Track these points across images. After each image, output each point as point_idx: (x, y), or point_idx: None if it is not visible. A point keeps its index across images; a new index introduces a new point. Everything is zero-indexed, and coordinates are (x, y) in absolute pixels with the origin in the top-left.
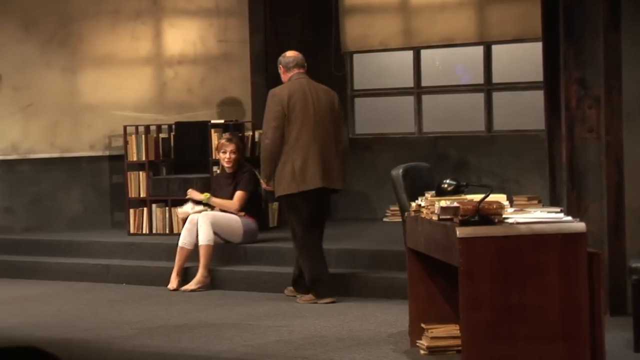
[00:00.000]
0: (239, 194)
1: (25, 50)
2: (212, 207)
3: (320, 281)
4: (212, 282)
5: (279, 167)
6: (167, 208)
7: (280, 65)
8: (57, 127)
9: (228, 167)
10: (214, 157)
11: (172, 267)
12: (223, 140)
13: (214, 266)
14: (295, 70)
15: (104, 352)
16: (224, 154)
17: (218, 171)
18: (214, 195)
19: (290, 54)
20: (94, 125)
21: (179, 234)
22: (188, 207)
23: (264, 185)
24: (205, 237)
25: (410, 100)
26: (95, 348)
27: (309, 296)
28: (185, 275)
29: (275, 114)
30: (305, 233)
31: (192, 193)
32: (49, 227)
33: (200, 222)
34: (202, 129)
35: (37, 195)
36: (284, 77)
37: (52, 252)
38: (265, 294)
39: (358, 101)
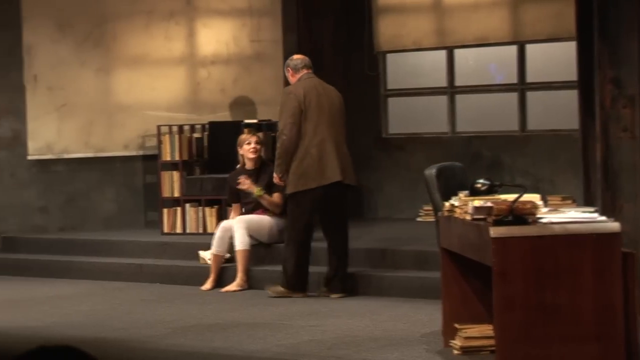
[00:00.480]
0: (279, 195)
1: (59, 51)
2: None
3: (297, 278)
4: (253, 283)
5: (295, 163)
6: (200, 208)
7: (289, 68)
8: (91, 127)
9: (251, 160)
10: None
11: (205, 267)
12: (244, 135)
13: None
14: (304, 71)
15: (137, 352)
16: (248, 145)
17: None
18: (238, 197)
19: (298, 56)
20: (128, 125)
21: (212, 234)
22: (209, 253)
23: (276, 180)
24: (241, 242)
25: (443, 99)
26: (129, 347)
27: (281, 289)
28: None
29: (292, 110)
30: (306, 229)
31: (245, 183)
32: (83, 226)
33: (235, 227)
34: (235, 128)
35: (72, 195)
36: (293, 79)
37: (86, 251)
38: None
39: (391, 101)
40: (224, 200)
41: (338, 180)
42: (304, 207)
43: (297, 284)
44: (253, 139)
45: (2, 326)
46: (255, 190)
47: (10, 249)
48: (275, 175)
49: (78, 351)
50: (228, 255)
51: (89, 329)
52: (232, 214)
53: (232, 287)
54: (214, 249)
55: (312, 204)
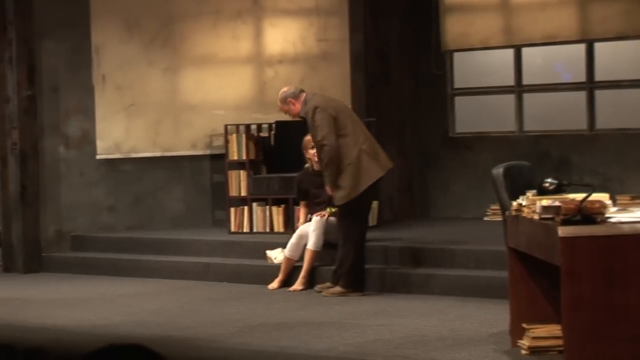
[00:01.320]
0: None
1: (127, 50)
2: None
3: (360, 275)
4: (314, 281)
5: (351, 167)
6: (267, 207)
7: (289, 99)
8: (158, 126)
9: (317, 163)
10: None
11: (272, 266)
12: (308, 137)
13: (316, 265)
14: (303, 93)
15: (204, 350)
16: (313, 149)
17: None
18: (307, 196)
19: (285, 88)
20: (195, 125)
21: (278, 233)
22: (276, 252)
23: (329, 192)
24: (315, 243)
25: (511, 98)
26: (196, 346)
27: (338, 289)
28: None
29: (327, 120)
30: (364, 227)
31: (320, 214)
32: (151, 225)
33: (314, 226)
34: (301, 127)
35: (140, 194)
36: (297, 104)
37: (154, 250)
38: (366, 293)
39: (458, 100)
40: (291, 199)
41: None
42: (364, 205)
43: (356, 283)
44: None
45: (71, 324)
46: (328, 211)
47: (79, 247)
48: (327, 187)
49: (148, 350)
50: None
51: (157, 328)
52: (301, 212)
53: (299, 286)
54: (287, 252)
55: (369, 202)
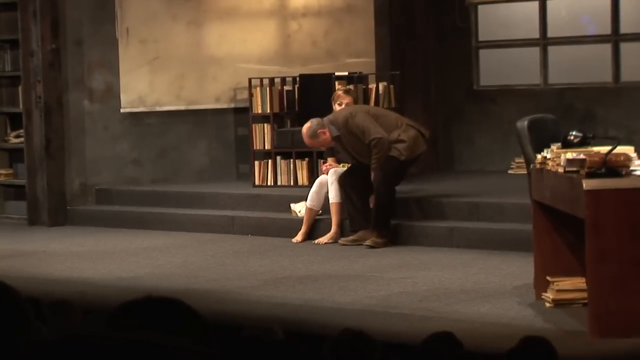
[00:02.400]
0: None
1: (151, 4)
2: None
3: (389, 221)
4: (337, 234)
5: (411, 131)
6: (291, 160)
7: (318, 131)
8: (182, 80)
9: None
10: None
11: (297, 219)
12: (339, 92)
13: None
14: (323, 120)
15: (229, 303)
16: (339, 106)
17: None
18: (334, 154)
19: (307, 125)
20: (219, 78)
21: (302, 186)
22: (300, 206)
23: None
24: (335, 195)
25: (535, 51)
26: (221, 299)
27: (378, 240)
28: (310, 233)
29: (367, 118)
30: (394, 189)
31: (332, 165)
32: (175, 179)
33: (330, 180)
34: (325, 81)
35: (164, 147)
36: (326, 131)
37: (178, 203)
38: (391, 245)
39: (483, 53)
40: (315, 153)
41: None
42: (405, 170)
43: (387, 227)
44: (346, 99)
45: (97, 277)
46: (341, 167)
47: (104, 201)
48: (373, 172)
49: (185, 305)
50: (320, 211)
51: (182, 280)
52: (327, 167)
53: (325, 239)
54: (309, 202)
55: (408, 170)
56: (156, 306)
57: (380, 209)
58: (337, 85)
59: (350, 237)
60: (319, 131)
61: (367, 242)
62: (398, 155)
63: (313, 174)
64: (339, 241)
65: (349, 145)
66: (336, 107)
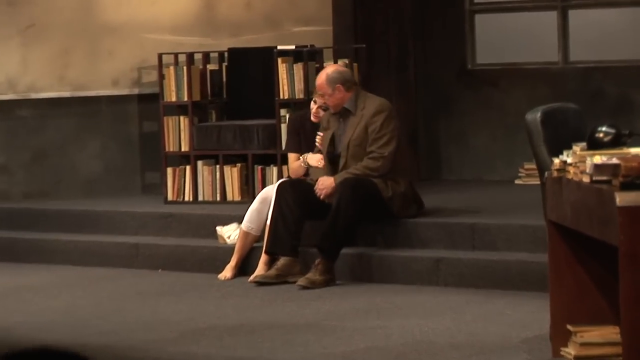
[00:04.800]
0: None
1: None
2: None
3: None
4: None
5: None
6: (217, 167)
7: (338, 85)
8: (67, 57)
9: (315, 120)
10: (283, 96)
11: (225, 248)
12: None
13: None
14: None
15: None
16: (314, 103)
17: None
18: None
19: (335, 66)
20: (118, 54)
21: (233, 203)
22: (231, 229)
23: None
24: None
25: (552, 17)
26: (121, 357)
27: (320, 277)
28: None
29: (398, 134)
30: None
31: (310, 158)
32: (57, 192)
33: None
34: (264, 57)
35: (42, 149)
36: (345, 95)
37: (62, 226)
38: (353, 283)
39: (480, 19)
40: (251, 157)
41: None
42: (378, 207)
43: (334, 260)
44: (321, 101)
45: None
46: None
47: None
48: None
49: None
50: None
51: (66, 332)
52: (291, 167)
53: (265, 271)
54: (245, 224)
55: None
56: None
57: (334, 229)
58: (281, 64)
59: (269, 272)
60: (338, 85)
61: (300, 281)
62: (384, 190)
63: (248, 186)
64: (250, 279)
65: (345, 137)
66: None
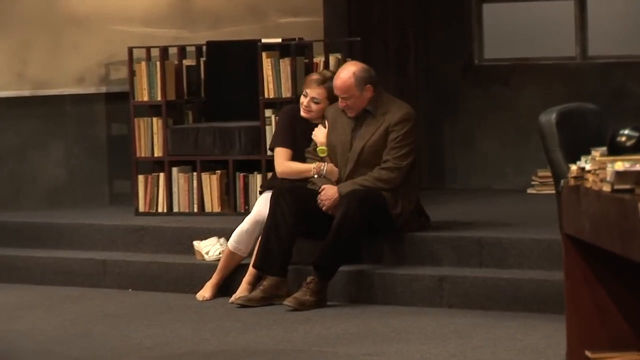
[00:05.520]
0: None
1: None
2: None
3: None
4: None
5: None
6: (195, 174)
7: (368, 85)
8: (27, 51)
9: (303, 115)
10: (268, 95)
11: (203, 265)
12: (313, 76)
13: None
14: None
15: None
16: (304, 97)
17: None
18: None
19: (359, 65)
20: (83, 48)
21: (212, 214)
22: (209, 244)
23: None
24: None
25: (569, 7)
26: None
27: (311, 297)
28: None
29: (416, 145)
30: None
31: (331, 172)
32: (16, 203)
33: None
34: (248, 51)
35: None
36: (371, 95)
37: (21, 241)
38: (347, 304)
39: (488, 9)
40: (232, 162)
41: None
42: (384, 221)
43: (329, 278)
44: (316, 91)
45: None
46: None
47: None
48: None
49: None
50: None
51: (28, 359)
52: (279, 164)
53: (249, 292)
54: (233, 243)
55: None
56: None
57: (335, 247)
58: (265, 59)
59: (253, 294)
60: (371, 85)
61: (288, 302)
62: (393, 206)
63: (229, 195)
64: (232, 300)
65: (359, 141)
66: (306, 101)
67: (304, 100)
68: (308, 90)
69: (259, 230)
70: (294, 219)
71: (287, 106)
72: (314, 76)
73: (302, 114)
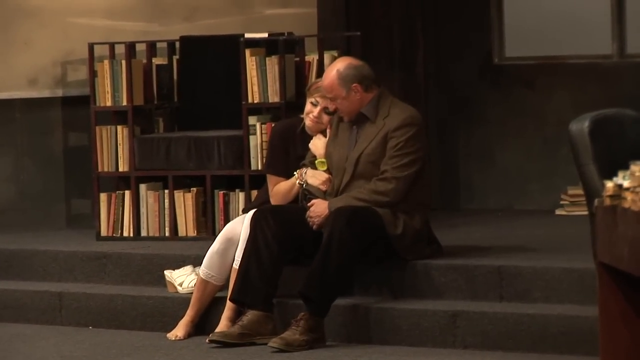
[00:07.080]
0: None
1: None
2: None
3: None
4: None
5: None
6: (166, 192)
7: (355, 84)
8: None
9: (310, 128)
10: (252, 100)
11: (176, 297)
12: (317, 84)
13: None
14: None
15: None
16: (313, 106)
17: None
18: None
19: (349, 60)
20: (36, 44)
21: (186, 239)
22: (184, 274)
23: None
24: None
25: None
26: None
27: (301, 337)
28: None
29: (423, 153)
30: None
31: (311, 176)
32: None
33: (243, 236)
34: (228, 48)
35: None
36: (364, 96)
37: None
38: (345, 344)
39: (509, 3)
40: (209, 178)
41: None
42: (382, 244)
43: (323, 315)
44: (327, 100)
45: None
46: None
47: None
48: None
49: None
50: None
51: None
52: (276, 192)
53: (236, 330)
54: (204, 270)
55: None
56: None
57: (323, 272)
58: (249, 57)
59: (231, 330)
60: (358, 83)
61: (273, 342)
62: (390, 226)
63: (206, 217)
64: (208, 339)
65: (355, 150)
66: (307, 106)
67: (312, 109)
68: (318, 99)
69: (232, 251)
70: (278, 246)
71: (278, 123)
72: (316, 87)
73: (309, 125)
